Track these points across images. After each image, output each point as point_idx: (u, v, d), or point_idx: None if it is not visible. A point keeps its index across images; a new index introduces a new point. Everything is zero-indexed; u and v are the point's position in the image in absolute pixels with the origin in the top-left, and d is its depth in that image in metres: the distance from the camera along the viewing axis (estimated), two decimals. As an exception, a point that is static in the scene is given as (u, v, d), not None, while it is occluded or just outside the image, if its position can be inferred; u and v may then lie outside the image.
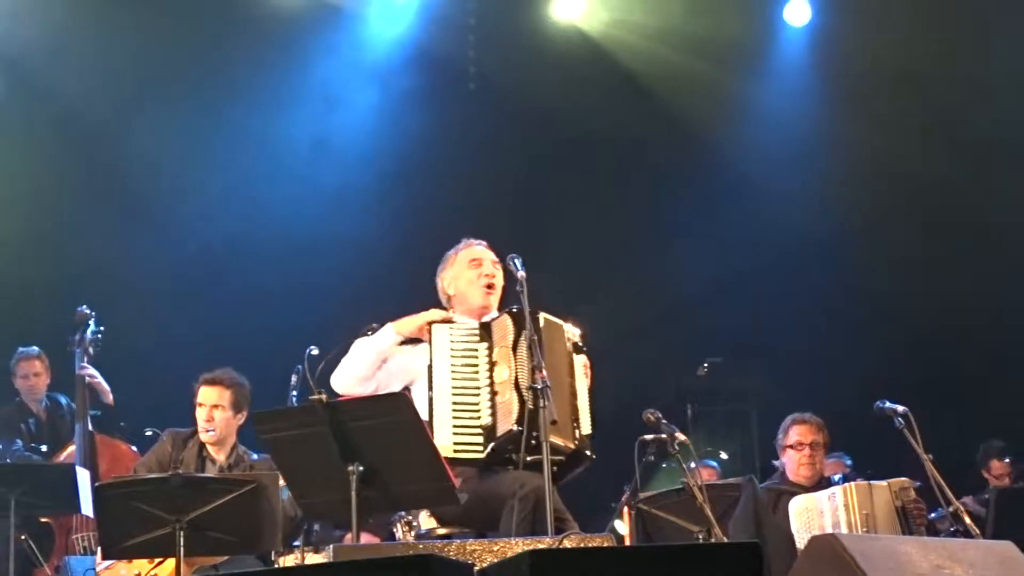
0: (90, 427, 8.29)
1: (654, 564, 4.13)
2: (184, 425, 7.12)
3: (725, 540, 5.95)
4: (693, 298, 11.17)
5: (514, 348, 5.80)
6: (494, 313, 6.08)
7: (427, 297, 6.26)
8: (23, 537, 7.32)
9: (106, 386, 8.50)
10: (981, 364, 10.83)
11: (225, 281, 10.28)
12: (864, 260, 11.24)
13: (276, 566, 6.38)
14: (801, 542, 6.76)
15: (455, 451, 5.73)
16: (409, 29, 10.82)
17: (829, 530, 6.74)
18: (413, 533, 5.97)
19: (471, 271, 6.18)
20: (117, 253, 10.04)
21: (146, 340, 9.74)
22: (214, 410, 6.99)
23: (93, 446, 8.22)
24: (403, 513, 6.09)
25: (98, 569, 6.60)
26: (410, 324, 6.01)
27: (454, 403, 5.83)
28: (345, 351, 6.05)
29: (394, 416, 5.29)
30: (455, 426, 5.80)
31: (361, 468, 5.25)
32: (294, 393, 7.32)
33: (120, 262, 10.01)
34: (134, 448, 8.27)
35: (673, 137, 11.10)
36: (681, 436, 6.17)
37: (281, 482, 5.72)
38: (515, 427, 5.68)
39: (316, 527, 7.21)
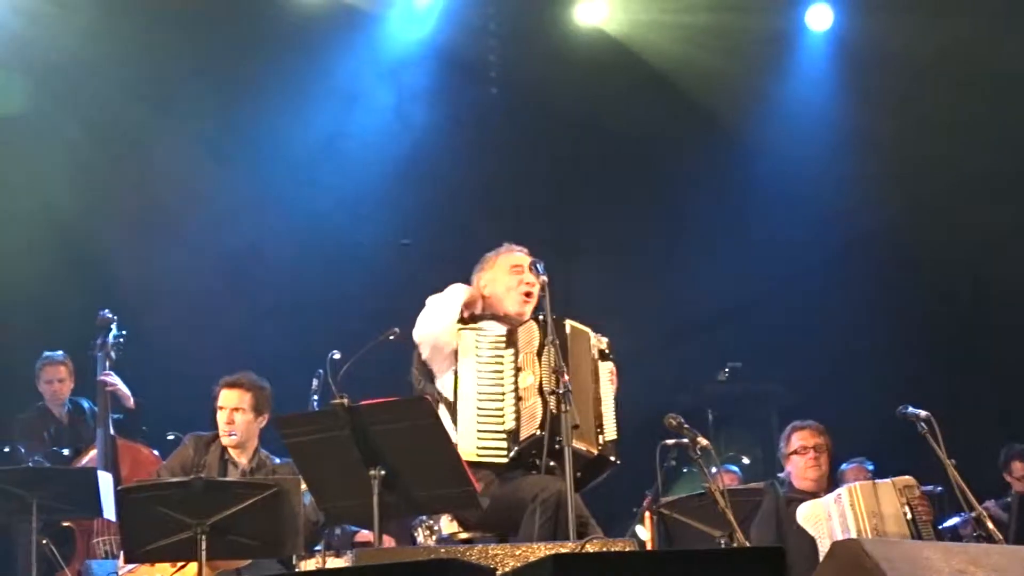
0: (112, 431, 8.29)
1: (677, 569, 4.13)
2: (206, 429, 7.14)
3: (747, 545, 5.94)
4: (716, 304, 11.13)
5: (539, 354, 5.83)
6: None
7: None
8: (44, 541, 7.30)
9: (127, 391, 8.49)
10: (1014, 366, 10.68)
11: (247, 286, 10.29)
12: (890, 267, 11.16)
13: (297, 570, 6.39)
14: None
15: (479, 455, 5.75)
16: (431, 34, 10.80)
17: (838, 532, 6.74)
18: (435, 537, 5.96)
19: (511, 277, 6.18)
20: (142, 257, 10.06)
21: (168, 344, 9.74)
22: (235, 413, 7.00)
23: (115, 450, 8.21)
24: (424, 517, 6.09)
25: (120, 573, 6.62)
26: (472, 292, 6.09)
27: (479, 407, 5.85)
28: (364, 356, 6.11)
29: (415, 420, 5.28)
30: (479, 430, 5.82)
31: (383, 472, 5.24)
32: (315, 397, 7.34)
33: (144, 266, 10.02)
34: (155, 452, 8.26)
35: (702, 139, 10.98)
36: (703, 441, 6.17)
37: (303, 486, 5.73)
38: (538, 431, 5.70)
39: (337, 531, 7.21)
